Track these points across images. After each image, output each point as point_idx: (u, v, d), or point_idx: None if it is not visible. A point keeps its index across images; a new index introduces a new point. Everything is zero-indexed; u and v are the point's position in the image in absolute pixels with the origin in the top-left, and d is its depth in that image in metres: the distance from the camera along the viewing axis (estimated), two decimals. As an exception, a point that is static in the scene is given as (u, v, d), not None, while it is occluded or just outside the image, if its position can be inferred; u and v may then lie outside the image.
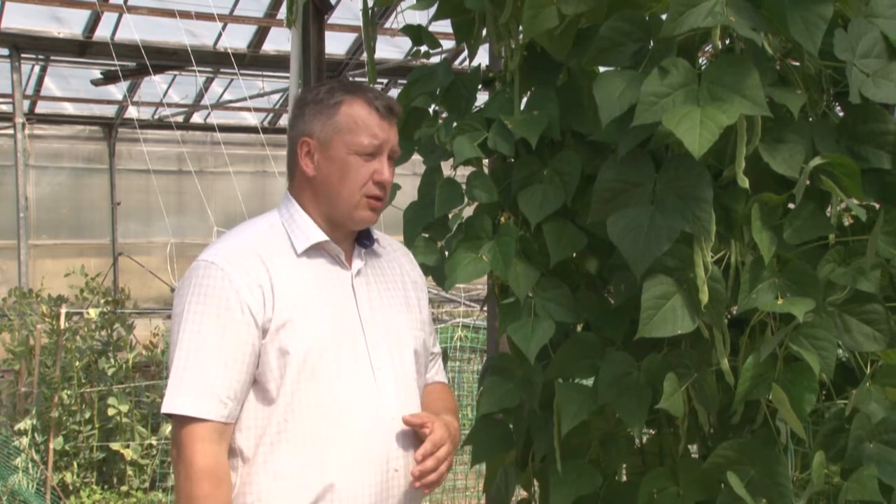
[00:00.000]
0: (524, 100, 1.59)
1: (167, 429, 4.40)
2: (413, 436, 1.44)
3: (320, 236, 1.43)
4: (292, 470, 1.36)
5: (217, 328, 1.34)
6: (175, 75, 8.45)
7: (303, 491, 1.35)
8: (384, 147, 1.43)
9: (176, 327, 1.37)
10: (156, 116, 9.18)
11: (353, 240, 1.48)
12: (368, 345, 1.43)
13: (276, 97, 8.84)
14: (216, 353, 1.34)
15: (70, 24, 6.98)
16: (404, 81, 1.74)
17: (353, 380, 1.40)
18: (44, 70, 8.13)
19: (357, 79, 8.56)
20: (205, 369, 1.33)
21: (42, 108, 8.93)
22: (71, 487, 4.35)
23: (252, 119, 9.36)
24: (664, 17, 1.35)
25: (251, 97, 7.89)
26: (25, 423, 4.18)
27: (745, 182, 1.32)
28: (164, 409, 1.34)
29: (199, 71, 7.58)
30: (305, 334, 1.37)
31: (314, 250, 1.43)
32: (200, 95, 8.66)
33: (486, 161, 1.65)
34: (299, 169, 1.44)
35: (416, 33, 1.77)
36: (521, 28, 1.53)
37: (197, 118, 9.46)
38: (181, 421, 1.34)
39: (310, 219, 1.44)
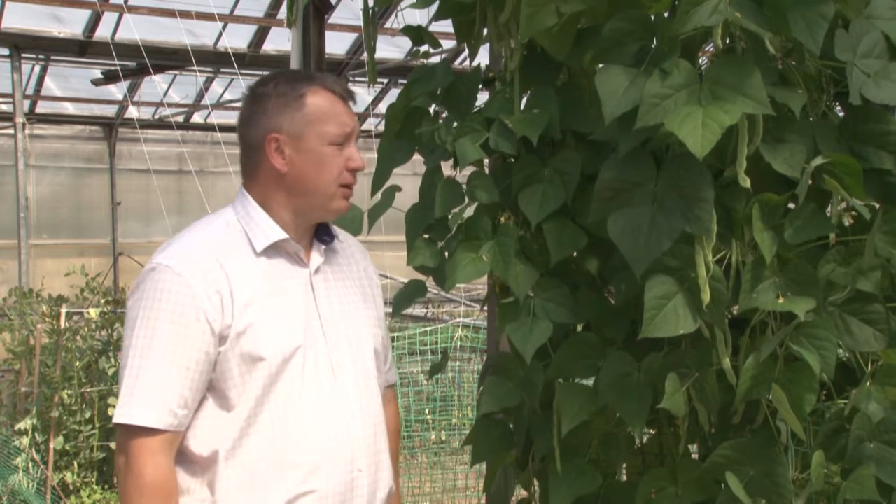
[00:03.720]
0: (524, 100, 1.59)
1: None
2: (374, 434, 1.43)
3: (280, 234, 1.39)
4: (257, 475, 1.33)
5: (170, 335, 1.30)
6: (175, 75, 8.45)
7: (269, 495, 1.33)
8: (353, 133, 1.41)
9: (128, 333, 1.32)
10: (156, 116, 9.18)
11: (311, 236, 1.45)
12: (329, 344, 1.40)
13: (276, 97, 8.81)
14: (169, 362, 1.30)
15: (70, 23, 6.98)
16: (404, 81, 1.74)
17: (315, 381, 1.37)
18: (44, 70, 8.14)
19: (358, 78, 8.56)
20: (156, 378, 1.29)
21: (42, 107, 8.94)
22: (71, 487, 4.35)
23: (252, 119, 9.34)
24: (666, 15, 1.35)
25: (251, 97, 7.87)
26: (26, 423, 4.18)
27: (746, 182, 1.32)
28: (115, 419, 1.30)
29: (200, 71, 7.58)
30: (267, 339, 1.34)
31: (273, 249, 1.40)
32: (201, 95, 8.66)
33: (486, 160, 1.65)
34: (267, 166, 1.40)
35: (417, 34, 1.76)
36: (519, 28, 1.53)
37: (197, 118, 9.46)
38: (131, 431, 1.30)
39: (268, 216, 1.40)
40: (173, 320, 1.30)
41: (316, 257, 1.44)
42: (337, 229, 1.52)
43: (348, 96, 1.42)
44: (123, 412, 1.30)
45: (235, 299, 1.33)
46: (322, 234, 1.47)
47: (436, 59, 1.83)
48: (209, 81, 8.50)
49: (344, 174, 1.40)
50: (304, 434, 1.35)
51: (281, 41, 7.26)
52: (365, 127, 10.23)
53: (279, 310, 1.36)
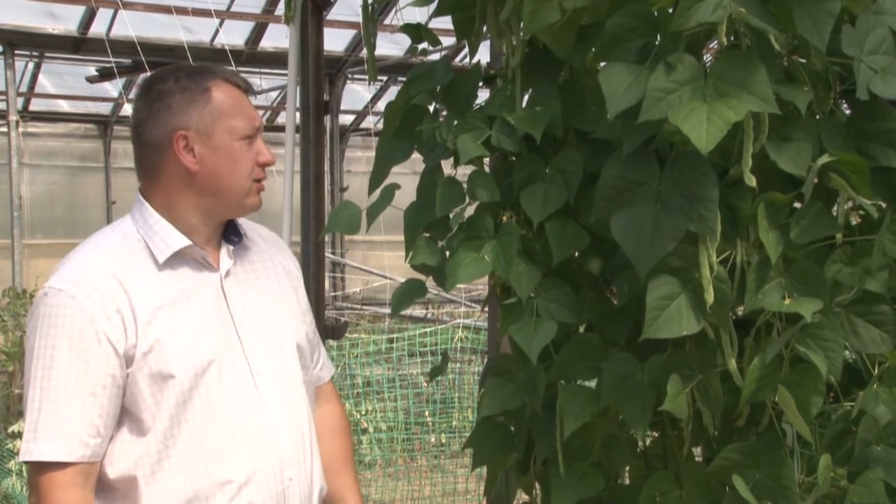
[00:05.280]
0: (525, 97, 1.57)
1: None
2: (301, 439, 1.39)
3: (182, 242, 1.33)
4: (181, 498, 1.28)
5: (71, 362, 1.24)
6: (171, 73, 8.40)
7: None
8: (260, 127, 1.38)
9: (28, 364, 1.26)
10: (152, 114, 9.14)
11: (219, 238, 1.39)
12: (246, 351, 1.35)
13: (273, 94, 8.82)
14: (72, 391, 1.24)
15: (65, 20, 6.95)
16: (404, 79, 1.72)
17: (234, 392, 1.32)
18: (38, 67, 8.11)
19: (356, 76, 8.54)
20: (61, 409, 1.23)
21: (36, 105, 8.91)
22: (66, 488, 4.33)
23: (249, 117, 9.33)
24: (670, 11, 1.33)
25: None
26: (19, 426, 4.15)
27: (751, 181, 1.30)
28: (22, 457, 1.25)
29: (196, 68, 7.57)
30: (178, 355, 1.28)
31: (177, 258, 1.33)
32: (197, 93, 8.62)
33: (486, 159, 1.63)
34: (174, 166, 1.32)
35: (416, 31, 1.74)
36: (522, 24, 1.51)
37: (193, 116, 9.42)
38: (40, 468, 1.24)
39: (168, 223, 1.33)
40: (72, 346, 1.24)
41: (225, 260, 1.38)
42: (246, 224, 1.46)
43: (249, 88, 1.38)
44: (28, 449, 1.24)
45: (138, 317, 1.27)
46: (229, 234, 1.40)
47: (435, 57, 1.82)
48: (205, 79, 8.47)
49: (255, 169, 1.36)
50: (227, 450, 1.30)
51: (279, 38, 7.24)
52: (364, 125, 10.22)
53: (187, 322, 1.30)
